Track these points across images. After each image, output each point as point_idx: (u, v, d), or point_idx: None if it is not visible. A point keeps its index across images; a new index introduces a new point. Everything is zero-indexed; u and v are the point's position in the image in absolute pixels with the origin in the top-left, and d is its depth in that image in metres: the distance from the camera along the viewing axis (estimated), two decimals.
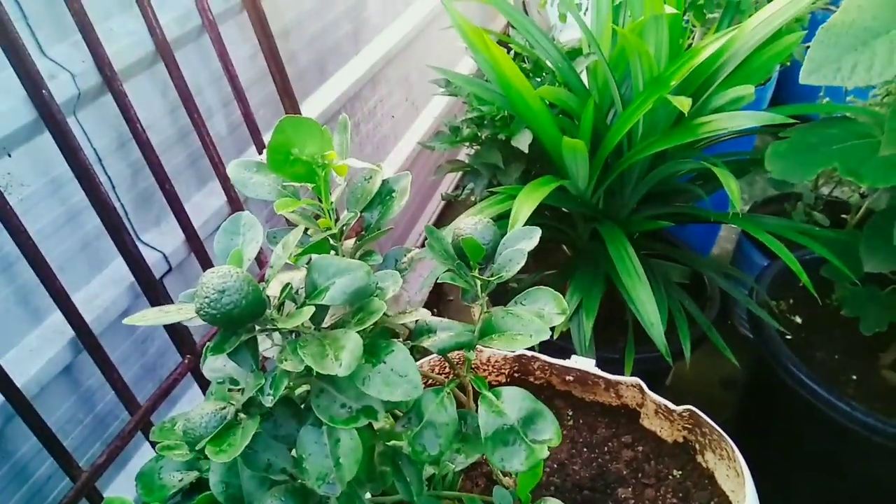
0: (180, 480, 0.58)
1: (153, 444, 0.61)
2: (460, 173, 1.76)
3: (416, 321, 0.53)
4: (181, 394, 1.06)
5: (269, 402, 0.45)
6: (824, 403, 1.10)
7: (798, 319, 1.31)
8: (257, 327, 0.47)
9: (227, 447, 0.44)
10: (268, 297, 0.47)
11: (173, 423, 0.62)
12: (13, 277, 0.82)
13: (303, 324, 0.47)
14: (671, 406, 0.81)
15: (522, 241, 0.56)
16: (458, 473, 0.76)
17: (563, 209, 1.20)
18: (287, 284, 0.48)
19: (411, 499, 0.51)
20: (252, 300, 0.44)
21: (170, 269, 1.00)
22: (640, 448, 0.86)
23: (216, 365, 0.51)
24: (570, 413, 0.91)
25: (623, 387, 0.87)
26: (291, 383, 0.47)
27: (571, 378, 0.91)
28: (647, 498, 0.81)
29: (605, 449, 0.87)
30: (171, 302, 0.93)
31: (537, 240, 0.56)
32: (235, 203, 1.07)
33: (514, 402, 0.50)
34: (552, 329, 0.55)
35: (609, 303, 1.18)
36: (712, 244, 1.76)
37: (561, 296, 0.52)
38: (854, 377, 1.21)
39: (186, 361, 0.97)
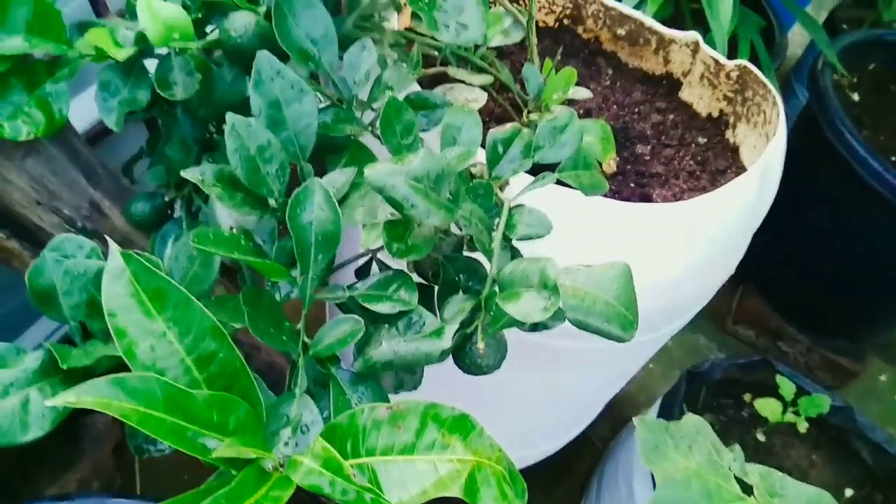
0: None
1: None
2: None
3: None
4: None
5: None
6: (860, 162, 1.07)
7: (856, 97, 1.25)
8: None
9: None
10: None
11: None
12: None
13: None
14: (723, 61, 0.76)
15: None
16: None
17: None
18: None
19: None
20: None
21: None
22: (671, 116, 0.83)
23: None
24: (610, 72, 0.87)
25: (675, 47, 0.82)
26: None
27: (623, 33, 0.86)
28: (664, 156, 0.80)
29: (636, 110, 0.84)
30: None
31: None
32: None
33: None
34: None
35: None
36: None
37: None
38: (893, 159, 1.18)
39: None
